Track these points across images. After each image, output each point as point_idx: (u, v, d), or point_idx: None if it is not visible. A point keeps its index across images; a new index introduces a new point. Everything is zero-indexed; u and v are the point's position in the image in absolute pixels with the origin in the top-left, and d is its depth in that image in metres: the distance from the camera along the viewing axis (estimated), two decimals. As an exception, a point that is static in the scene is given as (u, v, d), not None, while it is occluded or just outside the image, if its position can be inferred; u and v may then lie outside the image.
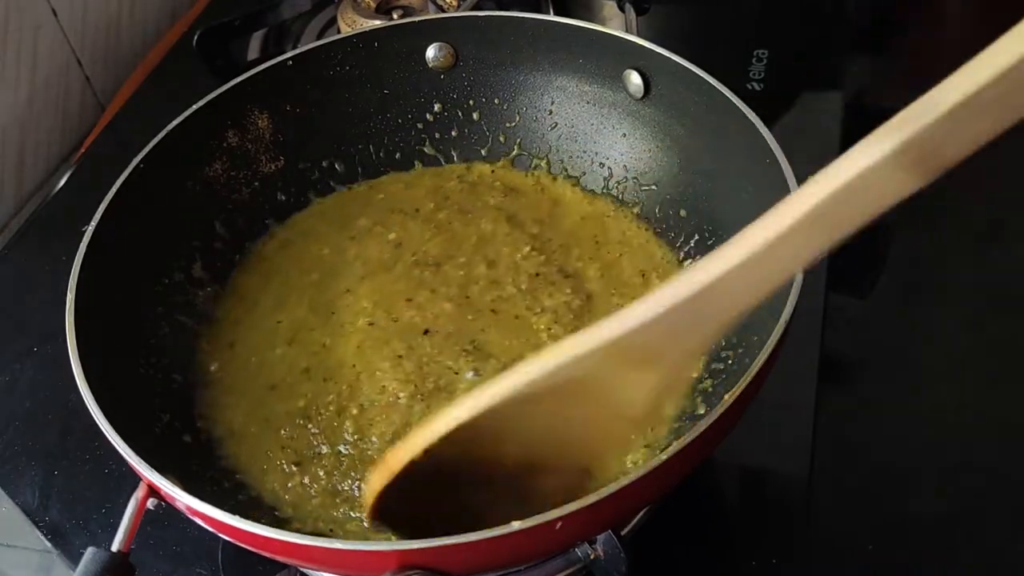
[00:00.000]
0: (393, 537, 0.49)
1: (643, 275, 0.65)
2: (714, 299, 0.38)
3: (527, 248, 0.66)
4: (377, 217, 0.70)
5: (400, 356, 0.61)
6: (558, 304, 0.62)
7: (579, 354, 0.40)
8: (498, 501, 0.47)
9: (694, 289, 0.38)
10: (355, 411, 0.59)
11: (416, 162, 0.74)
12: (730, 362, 0.56)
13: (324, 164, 0.72)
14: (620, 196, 0.69)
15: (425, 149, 0.74)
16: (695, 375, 0.57)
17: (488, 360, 0.60)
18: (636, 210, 0.68)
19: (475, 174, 0.73)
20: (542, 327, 0.62)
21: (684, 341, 0.40)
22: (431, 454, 0.44)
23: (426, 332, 0.62)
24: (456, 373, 0.60)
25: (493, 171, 0.73)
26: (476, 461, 0.46)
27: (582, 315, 0.62)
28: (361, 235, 0.69)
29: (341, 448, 0.57)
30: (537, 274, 0.64)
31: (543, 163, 0.72)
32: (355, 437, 0.58)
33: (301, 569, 0.57)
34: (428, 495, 0.47)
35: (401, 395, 0.59)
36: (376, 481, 0.47)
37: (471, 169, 0.73)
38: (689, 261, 0.64)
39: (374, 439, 0.57)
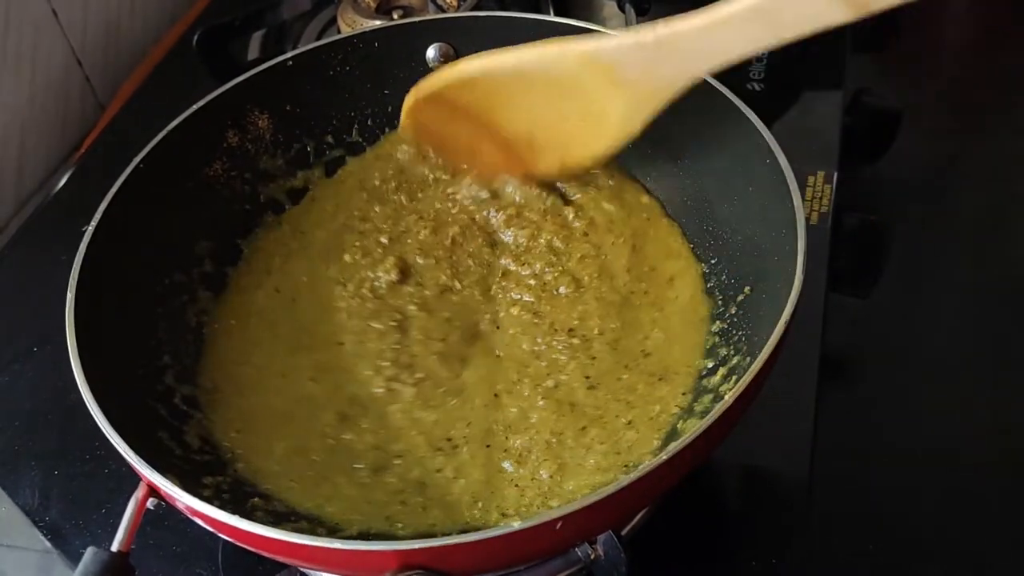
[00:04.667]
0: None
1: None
2: (673, 53, 0.51)
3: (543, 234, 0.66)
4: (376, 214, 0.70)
5: (400, 338, 0.61)
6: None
7: (561, 52, 0.55)
8: (497, 154, 0.63)
9: (658, 36, 0.51)
10: (359, 406, 0.59)
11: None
12: (731, 362, 0.56)
13: (324, 164, 0.72)
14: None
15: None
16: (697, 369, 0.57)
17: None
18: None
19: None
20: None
21: (644, 77, 0.53)
22: (455, 96, 0.61)
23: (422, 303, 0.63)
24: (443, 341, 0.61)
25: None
26: (490, 117, 0.60)
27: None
28: (361, 233, 0.69)
29: (343, 442, 0.57)
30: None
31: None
32: (358, 432, 0.57)
33: (301, 569, 0.57)
34: (451, 127, 0.63)
35: (405, 381, 0.59)
36: (412, 96, 0.63)
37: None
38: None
39: (372, 433, 0.57)
